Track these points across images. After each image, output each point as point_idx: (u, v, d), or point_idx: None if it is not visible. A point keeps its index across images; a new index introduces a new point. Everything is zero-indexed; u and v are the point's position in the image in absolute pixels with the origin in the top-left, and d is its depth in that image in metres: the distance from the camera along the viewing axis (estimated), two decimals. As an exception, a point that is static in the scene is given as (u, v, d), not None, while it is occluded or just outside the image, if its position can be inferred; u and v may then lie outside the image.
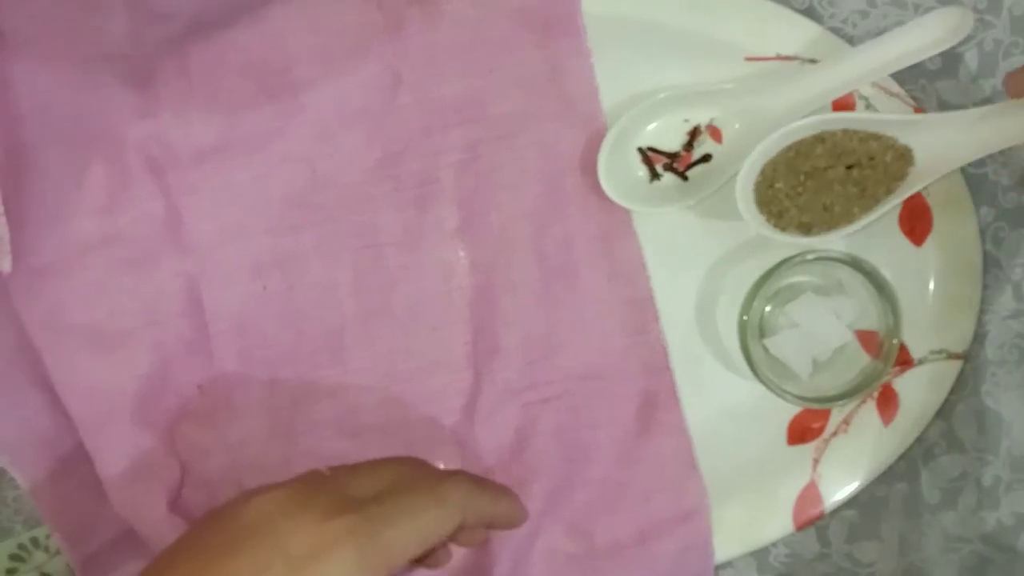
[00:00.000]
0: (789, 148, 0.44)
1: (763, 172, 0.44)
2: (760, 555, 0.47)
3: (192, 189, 0.47)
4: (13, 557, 0.45)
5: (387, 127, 0.47)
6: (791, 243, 0.44)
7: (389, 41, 0.47)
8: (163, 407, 0.46)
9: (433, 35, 0.47)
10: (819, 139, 0.44)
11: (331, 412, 0.47)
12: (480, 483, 0.41)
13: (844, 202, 0.44)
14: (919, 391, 0.45)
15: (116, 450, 0.45)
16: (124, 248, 0.46)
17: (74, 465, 0.46)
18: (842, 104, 0.45)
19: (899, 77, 0.45)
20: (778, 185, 0.44)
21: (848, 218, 0.44)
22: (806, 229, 0.44)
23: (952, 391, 0.46)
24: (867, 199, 0.44)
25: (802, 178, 0.44)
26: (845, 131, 0.44)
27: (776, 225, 0.44)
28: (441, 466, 0.46)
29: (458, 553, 0.46)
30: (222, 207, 0.47)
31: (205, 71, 0.47)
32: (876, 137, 0.43)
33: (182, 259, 0.47)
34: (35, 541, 0.45)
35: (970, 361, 0.46)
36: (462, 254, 0.47)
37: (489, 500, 0.42)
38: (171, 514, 0.44)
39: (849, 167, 0.43)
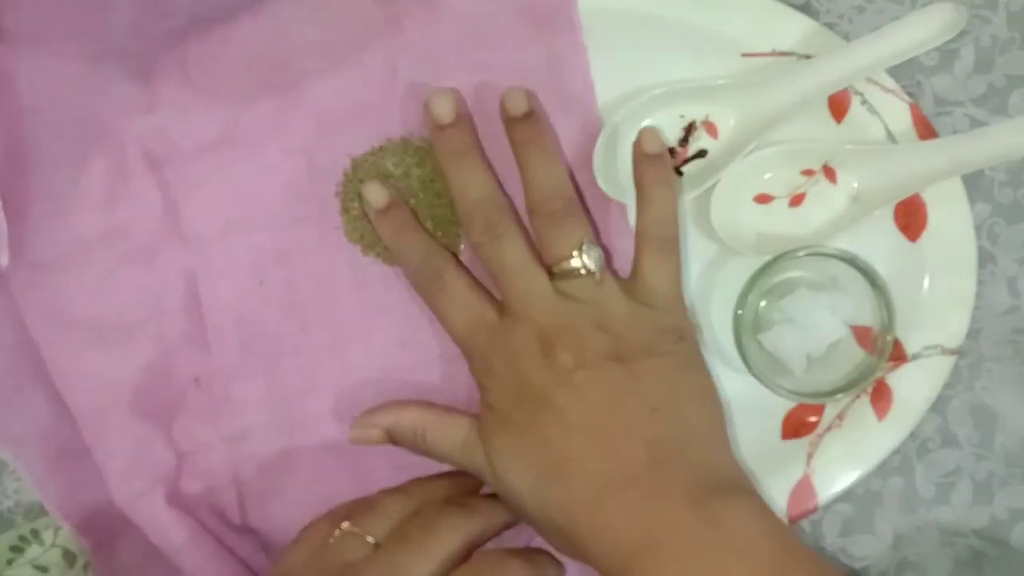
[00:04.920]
0: None
1: None
2: (754, 548, 0.47)
3: (192, 183, 0.47)
4: (13, 549, 0.45)
5: (387, 121, 0.47)
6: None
7: (388, 36, 0.47)
8: (162, 400, 0.47)
9: (431, 31, 0.47)
10: None
11: (331, 405, 0.47)
12: (470, 511, 0.42)
13: None
14: (913, 386, 0.45)
15: (113, 443, 0.46)
16: (125, 242, 0.46)
17: (78, 457, 0.46)
18: (838, 100, 0.45)
19: (894, 73, 0.45)
20: None
21: None
22: None
23: (946, 386, 0.46)
24: None
25: None
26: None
27: None
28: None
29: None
30: (222, 200, 0.47)
31: (204, 65, 0.47)
32: None
33: (183, 253, 0.47)
34: (35, 533, 0.46)
35: (964, 356, 0.46)
36: (460, 247, 0.47)
37: (482, 523, 0.42)
38: (168, 506, 0.45)
39: None
